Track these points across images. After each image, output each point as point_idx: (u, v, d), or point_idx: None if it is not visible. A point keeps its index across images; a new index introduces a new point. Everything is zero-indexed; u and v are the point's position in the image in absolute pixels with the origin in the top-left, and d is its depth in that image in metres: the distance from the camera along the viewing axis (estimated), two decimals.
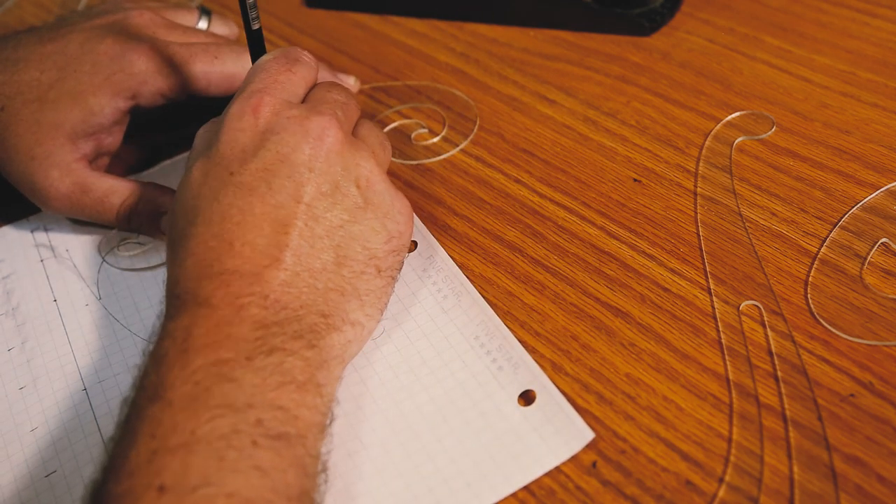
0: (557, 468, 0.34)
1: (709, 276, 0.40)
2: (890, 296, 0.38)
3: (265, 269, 0.35)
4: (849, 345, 0.36)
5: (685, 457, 0.34)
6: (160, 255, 0.46)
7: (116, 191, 0.45)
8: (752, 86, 0.50)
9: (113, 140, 0.47)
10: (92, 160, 0.46)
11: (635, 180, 0.46)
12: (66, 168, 0.45)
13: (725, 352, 0.37)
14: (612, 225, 0.43)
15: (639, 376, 0.37)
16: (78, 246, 0.48)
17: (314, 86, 0.42)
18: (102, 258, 0.46)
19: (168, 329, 0.34)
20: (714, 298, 0.39)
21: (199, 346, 0.32)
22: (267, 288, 0.34)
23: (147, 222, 0.45)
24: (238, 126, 0.37)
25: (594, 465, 0.34)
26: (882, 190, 0.42)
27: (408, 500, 0.34)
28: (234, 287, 0.34)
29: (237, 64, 0.47)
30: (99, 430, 0.39)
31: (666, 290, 0.40)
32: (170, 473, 0.29)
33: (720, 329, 0.38)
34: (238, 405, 0.31)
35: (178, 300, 0.35)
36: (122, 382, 0.41)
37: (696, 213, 0.43)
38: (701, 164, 0.46)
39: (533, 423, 0.36)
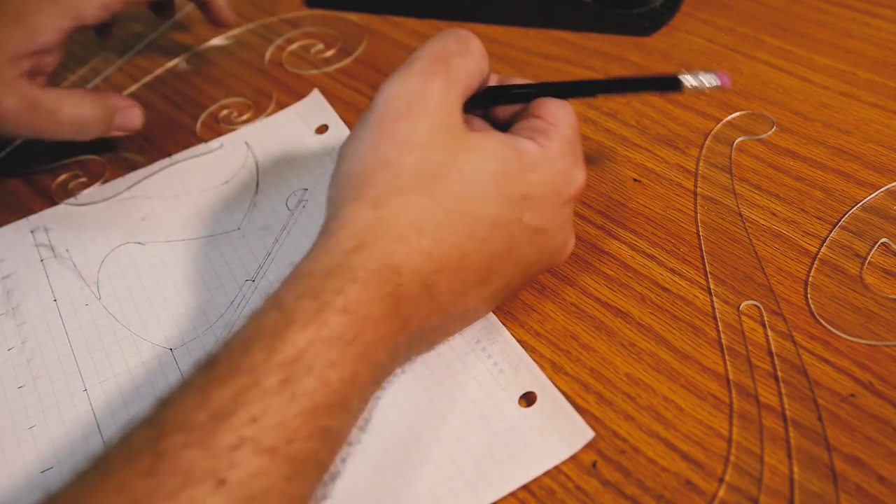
0: (557, 468, 0.34)
1: (709, 276, 0.40)
2: (890, 296, 0.38)
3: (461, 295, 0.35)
4: (849, 345, 0.36)
5: (685, 457, 0.34)
6: (114, 188, 0.48)
7: (65, 100, 0.46)
8: (752, 86, 0.50)
9: (52, 59, 0.48)
10: (31, 78, 0.47)
11: (635, 180, 0.46)
12: (9, 86, 0.46)
13: (725, 352, 0.37)
14: (612, 225, 0.43)
15: (639, 376, 0.37)
16: (78, 246, 0.48)
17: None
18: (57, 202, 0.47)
19: (350, 297, 0.31)
20: (714, 298, 0.39)
21: (359, 350, 0.31)
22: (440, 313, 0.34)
23: (102, 125, 0.47)
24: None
25: (594, 465, 0.34)
26: (882, 190, 0.42)
27: (408, 499, 0.34)
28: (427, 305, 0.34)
29: None
30: (99, 430, 0.39)
31: (666, 290, 0.40)
32: (241, 472, 0.27)
33: (720, 329, 0.38)
34: (334, 435, 0.30)
35: (382, 276, 0.32)
36: (122, 383, 0.41)
37: (696, 213, 0.43)
38: (701, 164, 0.46)
39: (533, 423, 0.36)
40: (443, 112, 0.34)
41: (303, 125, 0.54)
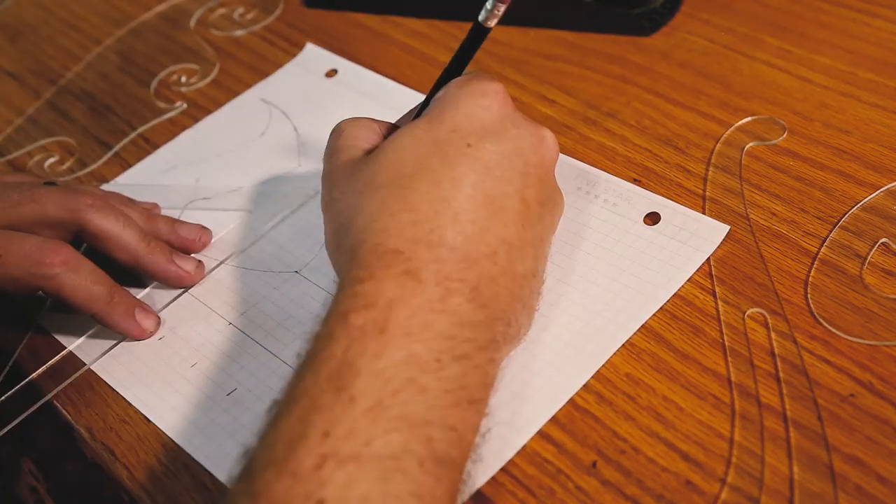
0: (557, 468, 0.34)
1: (710, 275, 0.40)
2: (890, 296, 0.38)
3: (482, 257, 0.33)
4: (849, 345, 0.36)
5: (685, 457, 0.34)
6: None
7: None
8: (752, 86, 0.50)
9: None
10: None
11: (635, 180, 0.45)
12: None
13: (728, 353, 0.37)
14: None
15: (639, 376, 0.37)
16: None
17: None
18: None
19: (368, 293, 0.32)
20: (714, 298, 0.39)
21: (398, 332, 0.31)
22: (476, 279, 0.33)
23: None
24: (482, 103, 0.36)
25: (594, 465, 0.34)
26: (882, 190, 0.42)
27: (568, 333, 0.38)
28: (447, 266, 0.32)
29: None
30: (265, 348, 0.41)
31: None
32: (334, 487, 0.27)
33: (723, 331, 0.38)
34: (416, 420, 0.29)
35: (385, 258, 0.32)
36: (266, 310, 0.43)
37: (705, 213, 0.43)
38: (703, 164, 0.46)
39: (668, 234, 0.41)
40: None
41: (309, 74, 0.57)
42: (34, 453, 0.39)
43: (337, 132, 0.39)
